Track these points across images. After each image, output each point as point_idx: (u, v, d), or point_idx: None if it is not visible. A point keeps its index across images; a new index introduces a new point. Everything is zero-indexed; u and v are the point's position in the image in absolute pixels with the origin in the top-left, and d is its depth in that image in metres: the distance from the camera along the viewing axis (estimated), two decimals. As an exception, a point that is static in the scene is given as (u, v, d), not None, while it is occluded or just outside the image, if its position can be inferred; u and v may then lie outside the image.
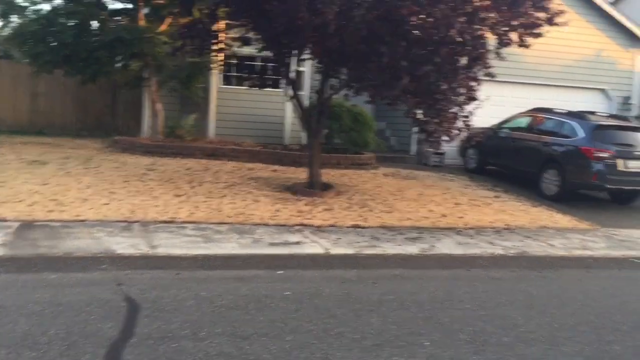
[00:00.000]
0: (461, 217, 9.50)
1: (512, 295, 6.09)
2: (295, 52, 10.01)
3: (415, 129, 11.84)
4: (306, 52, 10.02)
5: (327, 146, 12.26)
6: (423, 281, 6.36)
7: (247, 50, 11.29)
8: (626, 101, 16.18)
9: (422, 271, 6.81)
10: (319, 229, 7.91)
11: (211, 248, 6.65)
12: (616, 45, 16.21)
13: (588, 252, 8.15)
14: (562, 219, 10.13)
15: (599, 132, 11.41)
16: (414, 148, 15.44)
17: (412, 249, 7.45)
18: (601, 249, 8.44)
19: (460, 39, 8.73)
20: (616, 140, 11.36)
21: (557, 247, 8.23)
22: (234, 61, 13.14)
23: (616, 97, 16.25)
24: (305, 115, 10.78)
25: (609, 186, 11.23)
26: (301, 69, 13.21)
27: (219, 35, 10.47)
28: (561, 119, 12.13)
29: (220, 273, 5.98)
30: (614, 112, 15.11)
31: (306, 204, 9.13)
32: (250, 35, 10.05)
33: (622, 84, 16.33)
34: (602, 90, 16.23)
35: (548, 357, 4.44)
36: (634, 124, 12.61)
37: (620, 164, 11.04)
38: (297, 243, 7.19)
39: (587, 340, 4.85)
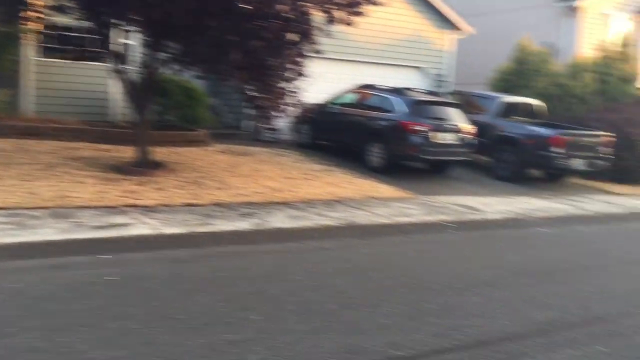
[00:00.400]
0: (294, 191, 9.74)
1: (339, 264, 6.41)
2: (117, 22, 9.45)
3: (247, 105, 11.86)
4: (129, 23, 9.50)
5: (159, 123, 11.82)
6: (255, 256, 6.45)
7: (66, 20, 10.42)
8: (440, 78, 17.63)
9: (254, 246, 6.89)
10: (149, 209, 7.63)
11: (25, 235, 6.12)
12: (431, 27, 17.53)
13: (407, 219, 8.81)
14: (386, 189, 10.82)
15: (416, 107, 12.29)
16: (248, 124, 15.46)
17: (245, 224, 7.50)
18: (419, 215, 9.17)
19: (288, 15, 8.85)
20: (432, 114, 12.32)
21: (381, 216, 8.79)
22: (54, 32, 12.07)
23: (432, 74, 17.62)
24: (132, 91, 10.27)
25: (426, 157, 12.21)
26: (129, 41, 12.52)
27: (29, 1, 9.53)
28: (384, 95, 12.88)
29: (36, 262, 5.54)
30: (430, 89, 16.38)
31: (135, 184, 8.75)
32: (65, 2, 9.28)
33: (436, 62, 17.74)
34: (420, 68, 17.51)
35: (369, 319, 4.75)
36: (446, 99, 13.76)
37: (436, 136, 12.03)
38: (125, 225, 6.87)
39: (404, 301, 5.26)
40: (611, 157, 13.72)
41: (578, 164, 13.07)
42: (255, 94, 9.82)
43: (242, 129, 15.42)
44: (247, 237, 7.13)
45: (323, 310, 4.85)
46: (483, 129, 13.79)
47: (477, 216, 9.54)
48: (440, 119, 12.32)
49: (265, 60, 9.55)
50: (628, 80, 17.53)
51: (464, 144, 12.43)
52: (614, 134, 14.26)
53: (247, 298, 5.01)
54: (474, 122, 12.94)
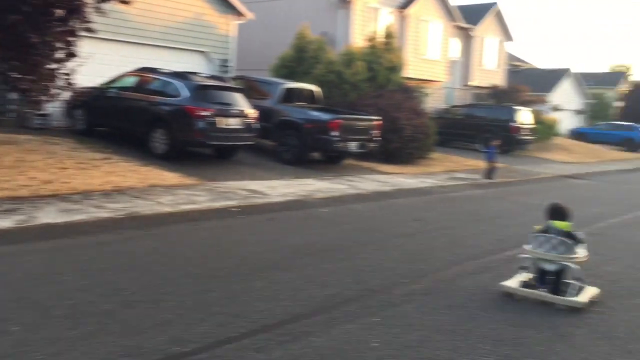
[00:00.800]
0: (67, 183, 8.91)
1: (117, 259, 5.99)
2: None
3: (9, 88, 10.53)
4: None
5: None
6: (18, 257, 5.73)
7: None
8: (224, 63, 17.55)
9: (18, 246, 6.14)
10: None
11: None
12: (214, 11, 17.33)
13: (193, 206, 8.60)
14: (170, 177, 10.46)
15: (200, 92, 12.04)
16: (12, 109, 13.77)
17: (7, 222, 6.64)
18: (205, 201, 9.01)
19: (51, -12, 8.00)
20: (216, 99, 12.19)
21: (165, 204, 8.45)
22: None
23: (216, 59, 17.46)
24: None
25: (211, 142, 12.05)
26: None
27: None
28: (167, 79, 12.40)
29: None
30: (214, 73, 16.22)
31: None
32: None
33: (221, 47, 17.61)
34: (204, 53, 17.22)
35: (150, 316, 4.49)
36: (231, 84, 13.73)
37: (221, 121, 11.93)
38: None
39: (187, 292, 5.09)
40: (380, 139, 14.95)
41: (353, 146, 14.02)
42: (18, 75, 8.75)
43: (6, 115, 13.69)
44: (10, 236, 6.32)
45: (97, 311, 4.47)
46: (267, 114, 14.06)
47: (262, 200, 9.68)
48: (225, 103, 12.24)
49: (27, 37, 8.56)
50: (394, 69, 19.28)
51: (249, 128, 12.53)
52: (383, 118, 15.57)
53: (5, 307, 4.40)
54: (258, 108, 13.11)
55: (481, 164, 19.32)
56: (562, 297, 5.39)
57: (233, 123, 12.21)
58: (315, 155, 15.27)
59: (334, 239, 7.72)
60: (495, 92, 30.66)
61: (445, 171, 16.76)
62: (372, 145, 14.58)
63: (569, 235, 5.57)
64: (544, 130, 27.92)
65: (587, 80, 52.15)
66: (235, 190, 10.15)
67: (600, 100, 51.09)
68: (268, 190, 10.49)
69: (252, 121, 12.60)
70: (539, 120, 27.93)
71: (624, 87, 55.65)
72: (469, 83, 31.22)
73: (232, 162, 13.17)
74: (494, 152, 15.98)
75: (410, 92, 19.01)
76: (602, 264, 6.99)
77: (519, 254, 5.97)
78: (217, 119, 11.85)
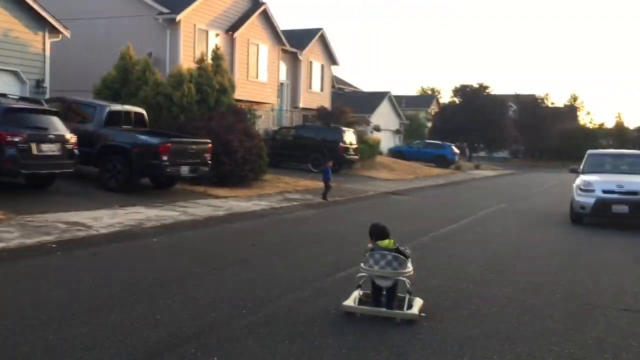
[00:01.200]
0: None
1: None
2: None
3: None
4: None
5: None
6: None
7: None
8: (39, 84, 16.08)
9: None
10: None
11: None
12: (26, 27, 15.85)
13: (1, 245, 7.61)
14: (-27, 212, 9.21)
15: (10, 115, 10.87)
16: None
17: None
18: (16, 238, 8.04)
19: None
20: (30, 123, 11.07)
21: (-34, 245, 7.38)
22: None
23: (30, 79, 15.93)
24: None
25: (24, 171, 10.89)
26: None
27: None
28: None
29: None
30: (27, 95, 14.79)
31: None
32: None
33: (35, 67, 16.13)
34: (15, 72, 15.63)
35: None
36: (46, 107, 12.57)
37: (35, 147, 10.84)
38: None
39: (-6, 349, 4.40)
40: (212, 162, 14.67)
41: (184, 170, 13.56)
42: None
43: None
44: None
45: None
46: (89, 139, 13.15)
47: (84, 232, 8.90)
48: (39, 127, 11.15)
49: None
50: (224, 91, 19.12)
51: (68, 154, 11.54)
52: (214, 141, 15.33)
53: None
54: (79, 131, 12.19)
55: (311, 183, 19.90)
56: (399, 312, 5.64)
57: (49, 149, 11.15)
58: (144, 180, 14.54)
59: (166, 271, 7.28)
60: (322, 114, 31.87)
61: (278, 192, 16.91)
62: (204, 168, 14.23)
63: (397, 251, 5.82)
64: (368, 149, 29.55)
65: (403, 102, 56.56)
66: (53, 224, 9.21)
67: (415, 120, 55.63)
68: (91, 222, 9.69)
69: (71, 146, 11.63)
70: (363, 140, 29.51)
71: (434, 109, 61.28)
72: (298, 105, 32.10)
73: (50, 192, 12.04)
74: (329, 172, 16.44)
75: (241, 114, 18.99)
76: (428, 277, 7.39)
77: (356, 273, 6.09)
78: (31, 145, 10.74)
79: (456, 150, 41.45)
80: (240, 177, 16.85)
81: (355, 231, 11.16)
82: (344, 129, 25.88)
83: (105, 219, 10.05)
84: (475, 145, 54.56)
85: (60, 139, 11.35)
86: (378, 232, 5.99)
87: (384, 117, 46.13)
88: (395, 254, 5.73)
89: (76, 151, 11.75)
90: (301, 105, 32.16)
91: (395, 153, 40.12)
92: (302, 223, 12.21)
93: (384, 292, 5.82)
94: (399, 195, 20.21)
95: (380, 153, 34.85)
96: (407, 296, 5.74)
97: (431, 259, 8.78)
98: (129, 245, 8.72)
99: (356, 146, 26.31)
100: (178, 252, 8.43)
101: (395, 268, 5.73)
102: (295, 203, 14.93)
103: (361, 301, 5.84)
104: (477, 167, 42.87)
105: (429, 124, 55.99)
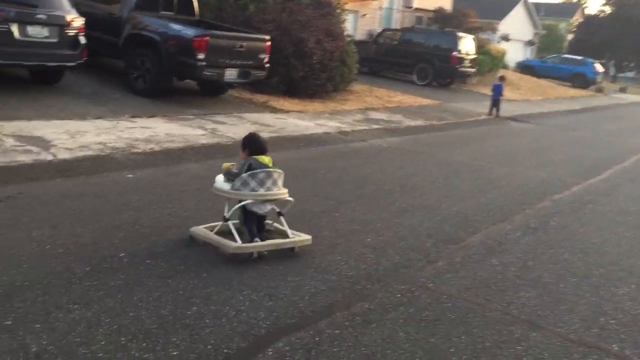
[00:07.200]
0: None
1: None
2: None
3: None
4: None
5: None
6: None
7: None
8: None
9: None
10: None
11: None
12: None
13: None
14: None
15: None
16: None
17: None
18: None
19: None
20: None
21: None
22: None
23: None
24: None
25: (0, 61, 8.24)
26: None
27: None
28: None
29: None
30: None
31: None
32: None
33: None
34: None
35: None
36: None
37: (17, 30, 8.13)
38: None
39: None
40: (282, 66, 11.57)
41: (231, 74, 10.42)
42: None
43: None
44: None
45: None
46: (116, 25, 10.35)
47: (32, 157, 6.14)
48: (26, 4, 8.37)
49: None
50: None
51: (68, 42, 8.77)
52: (284, 39, 12.09)
53: None
54: (105, 15, 9.56)
55: (409, 99, 16.20)
56: (296, 239, 4.58)
57: (38, 33, 8.42)
58: (191, 84, 11.68)
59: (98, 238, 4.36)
60: (439, 16, 27.19)
61: (361, 109, 13.46)
62: (258, 73, 11.01)
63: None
64: (489, 61, 24.86)
65: (542, 10, 49.23)
66: (1, 137, 6.57)
67: (553, 31, 48.41)
68: (62, 139, 6.94)
69: (74, 32, 8.83)
70: (485, 51, 24.77)
71: (577, 19, 53.08)
72: (412, 4, 27.46)
73: (54, 90, 9.45)
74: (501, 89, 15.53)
75: (326, 7, 15.25)
76: (563, 310, 3.95)
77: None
78: (10, 26, 8.05)
79: (599, 69, 34.86)
80: (316, 86, 13.54)
81: (438, 179, 7.59)
82: (460, 34, 21.37)
83: (88, 136, 7.28)
84: (624, 63, 46.74)
85: (56, 21, 8.55)
86: (256, 146, 4.60)
87: (515, 25, 39.81)
88: (279, 171, 4.54)
89: (82, 39, 8.95)
90: (415, 4, 27.45)
91: (524, 68, 34.46)
92: (363, 160, 8.73)
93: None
94: (520, 122, 15.98)
95: (505, 67, 29.72)
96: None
97: (554, 257, 5.22)
98: (98, 178, 5.89)
99: (474, 56, 21.81)
100: (135, 205, 5.38)
101: (280, 188, 4.55)
102: (375, 126, 11.47)
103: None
104: (622, 90, 36.28)
105: (569, 37, 48.52)
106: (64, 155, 6.40)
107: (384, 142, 10.30)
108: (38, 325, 3.14)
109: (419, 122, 12.78)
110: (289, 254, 4.50)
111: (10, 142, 6.49)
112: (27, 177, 5.70)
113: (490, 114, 15.68)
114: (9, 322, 3.14)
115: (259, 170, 4.40)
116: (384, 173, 7.84)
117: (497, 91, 15.68)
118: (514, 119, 16.17)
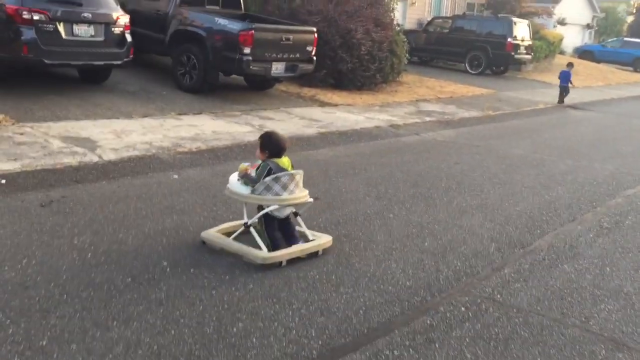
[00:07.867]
0: None
1: None
2: None
3: None
4: None
5: None
6: None
7: None
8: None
9: None
10: None
11: None
12: None
13: None
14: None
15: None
16: None
17: None
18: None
19: None
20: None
21: None
22: None
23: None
24: None
25: (48, 61, 8.06)
26: None
27: None
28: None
29: None
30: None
31: None
32: None
33: None
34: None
35: None
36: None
37: (64, 29, 8.06)
38: None
39: None
40: (329, 59, 11.22)
41: (278, 68, 10.15)
42: None
43: None
44: None
45: None
46: (163, 21, 10.26)
47: (77, 159, 6.01)
48: (72, 3, 8.30)
49: None
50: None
51: (115, 41, 8.68)
52: (332, 30, 11.76)
53: None
54: (151, 12, 9.46)
55: (462, 89, 15.62)
56: (320, 243, 4.32)
57: (85, 32, 8.34)
58: (238, 79, 11.49)
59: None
60: (491, 2, 26.26)
61: (412, 101, 13.01)
62: (306, 66, 10.71)
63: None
64: (545, 47, 23.83)
65: (599, -8, 47.06)
66: (48, 139, 6.49)
67: (612, 14, 46.25)
68: (108, 139, 6.83)
69: (120, 30, 8.74)
70: (540, 36, 23.76)
71: (637, 0, 50.54)
72: (463, -10, 26.62)
73: (100, 89, 9.39)
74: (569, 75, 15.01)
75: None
76: None
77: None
78: (57, 26, 7.99)
79: (663, 52, 33.02)
80: (364, 78, 13.15)
81: (493, 182, 7.12)
82: (515, 20, 20.49)
83: (133, 135, 7.15)
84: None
85: (102, 19, 8.46)
86: (276, 146, 4.26)
87: (572, 9, 38.11)
88: (301, 172, 4.28)
89: (128, 36, 8.84)
90: (467, -10, 26.63)
91: (583, 53, 32.99)
92: (416, 155, 8.31)
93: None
94: (580, 109, 15.16)
95: (562, 52, 28.52)
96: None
97: (635, 262, 4.73)
98: (128, 184, 5.69)
99: (529, 42, 20.91)
100: (179, 208, 5.18)
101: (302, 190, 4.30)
102: (427, 119, 11.01)
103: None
104: (688, 75, 34.28)
105: (629, 19, 46.22)
106: (109, 156, 6.26)
107: (438, 135, 9.85)
108: (74, 346, 2.93)
109: (474, 113, 12.23)
110: (338, 260, 4.19)
111: (56, 143, 6.39)
112: (73, 180, 5.57)
113: (560, 101, 15.06)
114: (44, 343, 2.94)
115: (282, 173, 4.11)
116: (439, 169, 7.41)
117: (565, 78, 14.95)
118: (574, 106, 15.35)
